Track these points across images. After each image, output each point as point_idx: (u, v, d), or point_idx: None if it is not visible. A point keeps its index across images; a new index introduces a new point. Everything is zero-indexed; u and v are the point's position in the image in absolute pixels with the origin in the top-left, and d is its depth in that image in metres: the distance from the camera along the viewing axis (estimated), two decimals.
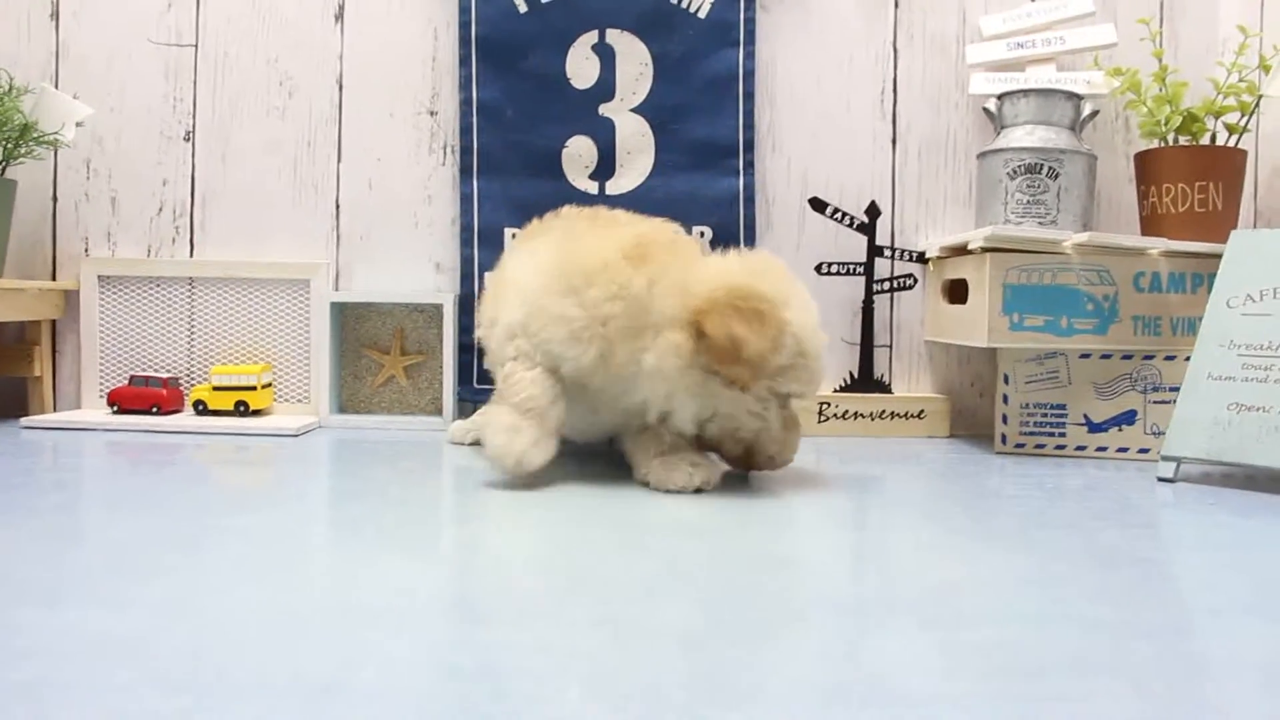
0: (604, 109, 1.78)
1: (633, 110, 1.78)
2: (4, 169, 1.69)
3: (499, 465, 1.20)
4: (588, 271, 1.21)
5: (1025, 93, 1.64)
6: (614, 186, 1.78)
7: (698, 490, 1.19)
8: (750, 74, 1.78)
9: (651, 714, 0.55)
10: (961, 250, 1.62)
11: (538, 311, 1.23)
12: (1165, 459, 1.33)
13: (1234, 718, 0.57)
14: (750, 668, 0.63)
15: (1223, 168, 1.60)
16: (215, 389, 1.70)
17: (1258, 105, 1.61)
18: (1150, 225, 1.65)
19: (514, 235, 1.78)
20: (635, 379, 1.20)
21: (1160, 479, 1.33)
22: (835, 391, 1.79)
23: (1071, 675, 0.62)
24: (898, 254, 1.80)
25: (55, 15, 1.80)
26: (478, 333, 1.47)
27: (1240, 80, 1.60)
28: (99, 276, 1.80)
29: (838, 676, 0.62)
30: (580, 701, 0.57)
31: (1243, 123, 1.62)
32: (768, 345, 1.13)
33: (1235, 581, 0.87)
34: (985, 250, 1.51)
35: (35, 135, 1.66)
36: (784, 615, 0.74)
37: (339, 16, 1.81)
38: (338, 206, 1.82)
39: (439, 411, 1.78)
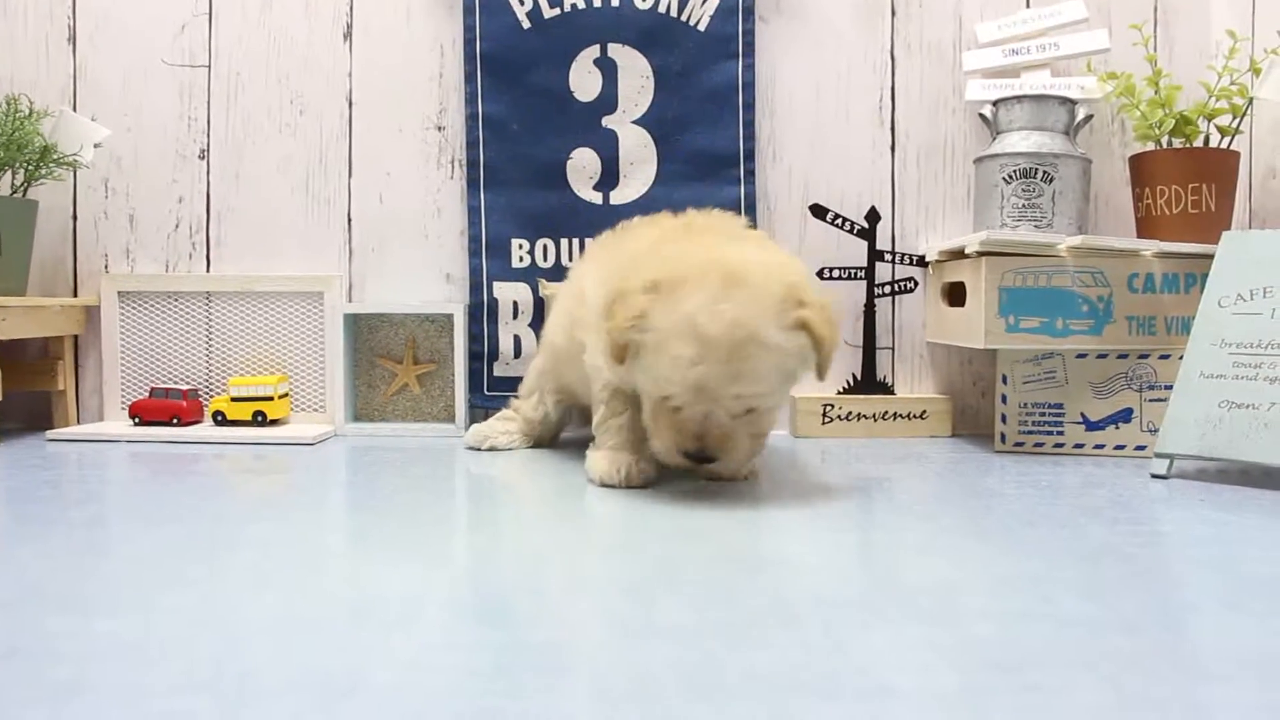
0: (607, 121, 1.82)
1: (635, 122, 1.82)
2: (25, 190, 1.73)
3: None
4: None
5: (1019, 99, 1.67)
6: (618, 196, 1.82)
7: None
8: (750, 85, 1.82)
9: (650, 706, 0.59)
10: (959, 254, 1.65)
11: None
12: (1159, 456, 1.36)
13: (1203, 708, 0.61)
14: (741, 661, 0.67)
15: (1215, 169, 1.63)
16: (233, 400, 1.75)
17: (1249, 107, 1.64)
18: (1146, 226, 1.68)
19: (520, 245, 1.82)
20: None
21: (1154, 475, 1.36)
22: (839, 393, 1.82)
23: (1048, 668, 0.66)
24: (898, 258, 1.83)
25: (72, 40, 1.85)
26: None
27: (1232, 83, 1.63)
28: (119, 292, 1.84)
29: (825, 670, 0.65)
30: (586, 696, 0.61)
31: (1235, 125, 1.64)
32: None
33: (1213, 577, 0.90)
34: (981, 254, 1.54)
35: (55, 157, 1.71)
36: (775, 612, 0.78)
37: (347, 35, 1.85)
38: (349, 220, 1.87)
39: (451, 419, 1.82)
